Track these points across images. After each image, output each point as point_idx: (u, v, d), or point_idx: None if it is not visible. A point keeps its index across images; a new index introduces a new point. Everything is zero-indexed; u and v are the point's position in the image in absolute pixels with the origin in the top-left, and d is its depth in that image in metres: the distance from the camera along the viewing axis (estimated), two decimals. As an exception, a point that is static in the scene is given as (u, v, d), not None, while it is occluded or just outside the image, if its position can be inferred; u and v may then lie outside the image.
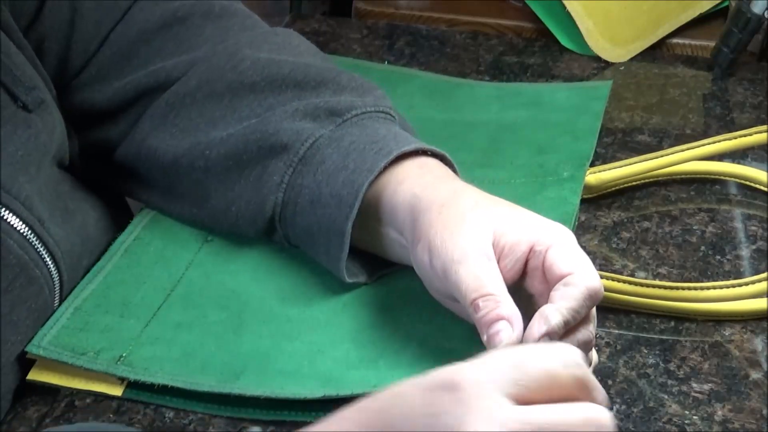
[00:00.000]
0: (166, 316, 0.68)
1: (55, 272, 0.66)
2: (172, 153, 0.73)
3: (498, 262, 0.61)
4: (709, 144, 0.81)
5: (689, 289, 0.70)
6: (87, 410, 0.62)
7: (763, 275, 0.70)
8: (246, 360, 0.64)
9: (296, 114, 0.70)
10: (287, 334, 0.67)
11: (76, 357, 0.63)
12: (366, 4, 1.14)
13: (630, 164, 0.81)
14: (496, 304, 0.59)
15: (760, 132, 0.80)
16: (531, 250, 0.60)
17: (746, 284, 0.70)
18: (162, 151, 0.73)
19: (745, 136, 0.80)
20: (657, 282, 0.70)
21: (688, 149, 0.81)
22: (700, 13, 1.08)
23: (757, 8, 0.97)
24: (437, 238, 0.62)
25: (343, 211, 0.66)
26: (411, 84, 0.95)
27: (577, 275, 0.58)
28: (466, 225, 0.62)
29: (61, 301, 0.67)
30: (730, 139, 0.80)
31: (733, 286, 0.70)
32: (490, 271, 0.60)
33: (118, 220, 0.77)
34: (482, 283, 0.60)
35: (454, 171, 0.70)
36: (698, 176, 0.85)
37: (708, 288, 0.70)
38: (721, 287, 0.70)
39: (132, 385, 0.63)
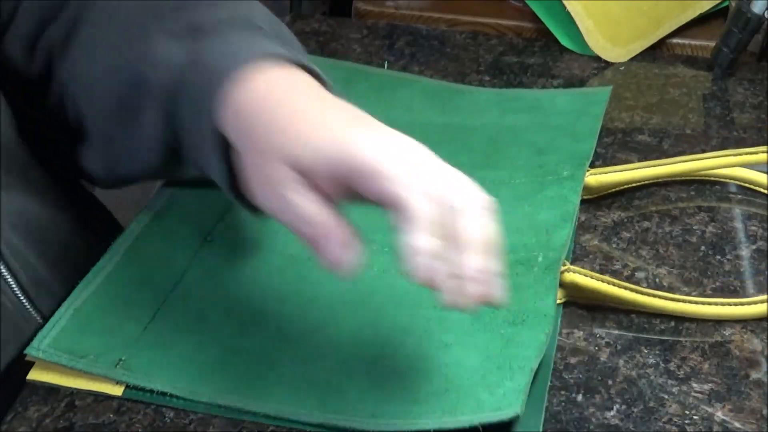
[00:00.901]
0: (165, 318, 0.68)
1: None
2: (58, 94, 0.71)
3: (316, 187, 0.57)
4: (711, 158, 0.81)
5: (689, 302, 0.70)
6: (87, 410, 0.63)
7: (764, 297, 0.70)
8: (245, 367, 0.64)
9: (163, 41, 0.66)
10: (286, 336, 0.67)
11: (75, 360, 0.63)
12: (366, 4, 1.14)
13: (630, 170, 0.81)
14: (326, 235, 0.58)
15: (765, 152, 0.79)
16: (343, 178, 0.57)
17: (747, 304, 0.70)
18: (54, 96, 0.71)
19: (750, 154, 0.80)
20: (657, 292, 0.70)
21: (691, 161, 0.81)
22: (700, 13, 1.08)
23: (757, 8, 0.97)
24: (252, 170, 0.59)
25: (215, 83, 0.61)
26: (411, 88, 0.95)
27: (401, 203, 0.55)
28: (268, 156, 0.58)
29: (21, 287, 0.67)
30: (734, 155, 0.80)
31: (734, 304, 0.70)
32: (306, 202, 0.57)
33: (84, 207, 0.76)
34: (308, 219, 0.57)
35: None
36: (698, 177, 0.85)
37: (708, 303, 0.70)
38: (722, 304, 0.70)
39: (132, 386, 0.63)
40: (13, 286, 0.67)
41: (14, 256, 0.67)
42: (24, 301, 0.67)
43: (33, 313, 0.68)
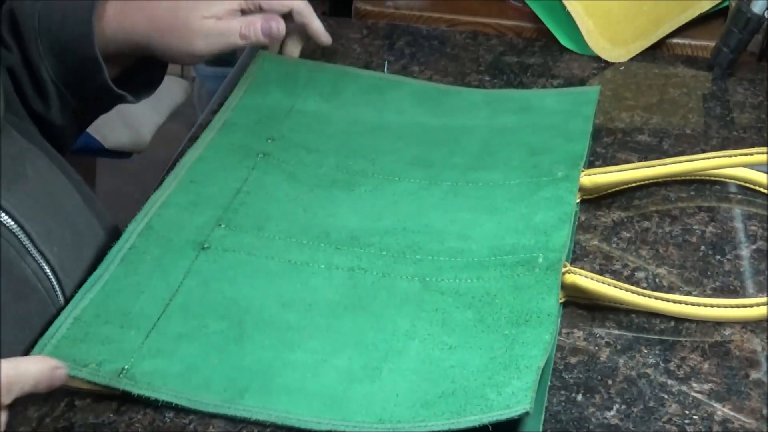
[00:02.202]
0: (166, 326, 0.67)
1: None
2: None
3: None
4: (711, 158, 0.81)
5: (690, 304, 0.70)
6: (87, 410, 0.62)
7: (764, 299, 0.70)
8: (249, 375, 0.64)
9: None
10: (289, 343, 0.66)
11: (78, 369, 0.63)
12: (366, 4, 1.13)
13: (626, 170, 0.81)
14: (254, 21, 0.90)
15: (761, 153, 0.79)
16: None
17: (747, 306, 0.70)
18: None
19: (745, 155, 0.80)
20: (659, 294, 0.70)
21: (691, 161, 0.81)
22: (700, 13, 1.08)
23: (757, 8, 0.97)
24: None
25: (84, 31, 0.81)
26: (401, 90, 0.95)
27: None
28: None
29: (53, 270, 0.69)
30: (734, 155, 0.80)
31: (735, 306, 0.69)
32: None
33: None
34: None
35: None
36: (698, 177, 0.85)
37: (709, 305, 0.70)
38: (723, 306, 0.69)
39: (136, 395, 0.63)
40: (47, 270, 0.68)
41: (44, 241, 0.68)
42: (55, 284, 0.69)
43: (61, 297, 0.70)
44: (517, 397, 0.60)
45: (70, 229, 0.73)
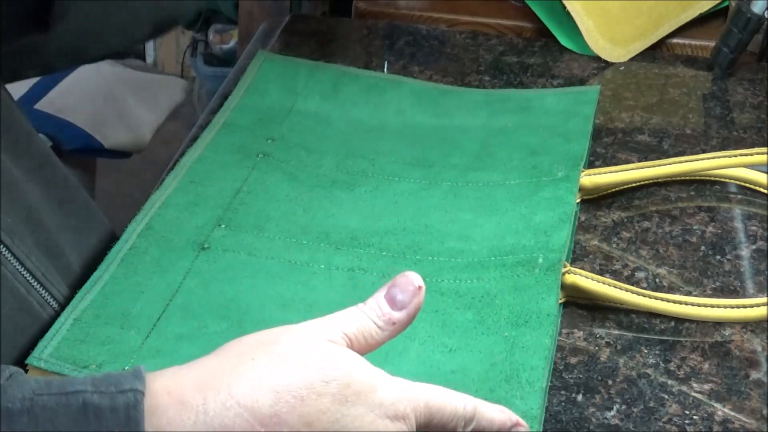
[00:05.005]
0: (166, 327, 0.67)
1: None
2: None
3: None
4: (711, 158, 0.81)
5: (690, 305, 0.70)
6: (87, 410, 0.62)
7: (764, 299, 0.70)
8: None
9: None
10: None
11: (78, 370, 0.63)
12: (366, 4, 1.14)
13: (626, 170, 0.81)
14: None
15: (761, 153, 0.79)
16: None
17: (747, 306, 0.69)
18: None
19: (745, 155, 0.80)
20: (659, 294, 0.70)
21: (691, 161, 0.81)
22: (700, 13, 1.08)
23: (757, 8, 0.97)
24: None
25: None
26: (399, 90, 0.95)
27: None
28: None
29: (31, 274, 0.67)
30: (729, 156, 0.80)
31: (735, 306, 0.69)
32: None
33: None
34: None
35: None
36: (698, 177, 0.85)
37: (709, 306, 0.69)
38: (723, 306, 0.69)
39: None
40: (23, 273, 0.66)
41: (22, 247, 0.67)
42: (38, 287, 0.67)
43: (48, 299, 0.68)
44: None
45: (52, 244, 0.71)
